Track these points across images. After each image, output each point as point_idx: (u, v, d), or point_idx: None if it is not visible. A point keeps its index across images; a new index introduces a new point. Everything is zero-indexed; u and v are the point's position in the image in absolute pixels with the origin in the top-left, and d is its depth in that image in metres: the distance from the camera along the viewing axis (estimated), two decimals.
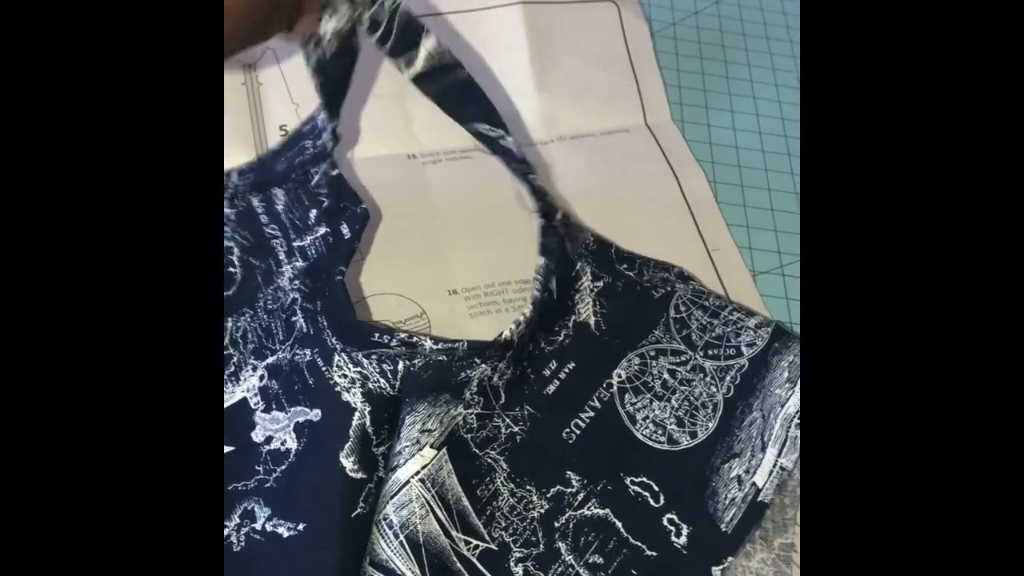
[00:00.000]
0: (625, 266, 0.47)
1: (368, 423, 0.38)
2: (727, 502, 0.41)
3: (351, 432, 0.38)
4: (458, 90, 0.44)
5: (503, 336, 0.40)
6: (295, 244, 0.42)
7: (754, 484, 0.41)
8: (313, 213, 0.43)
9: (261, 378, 0.40)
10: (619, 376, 0.44)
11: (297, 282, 0.41)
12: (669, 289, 0.46)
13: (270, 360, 0.40)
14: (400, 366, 0.39)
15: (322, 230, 0.43)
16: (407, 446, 0.38)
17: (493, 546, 0.38)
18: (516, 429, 0.41)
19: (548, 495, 0.40)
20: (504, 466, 0.40)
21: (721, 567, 0.39)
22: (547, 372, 0.43)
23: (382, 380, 0.39)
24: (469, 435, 0.40)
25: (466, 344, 0.39)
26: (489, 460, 0.40)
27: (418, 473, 0.37)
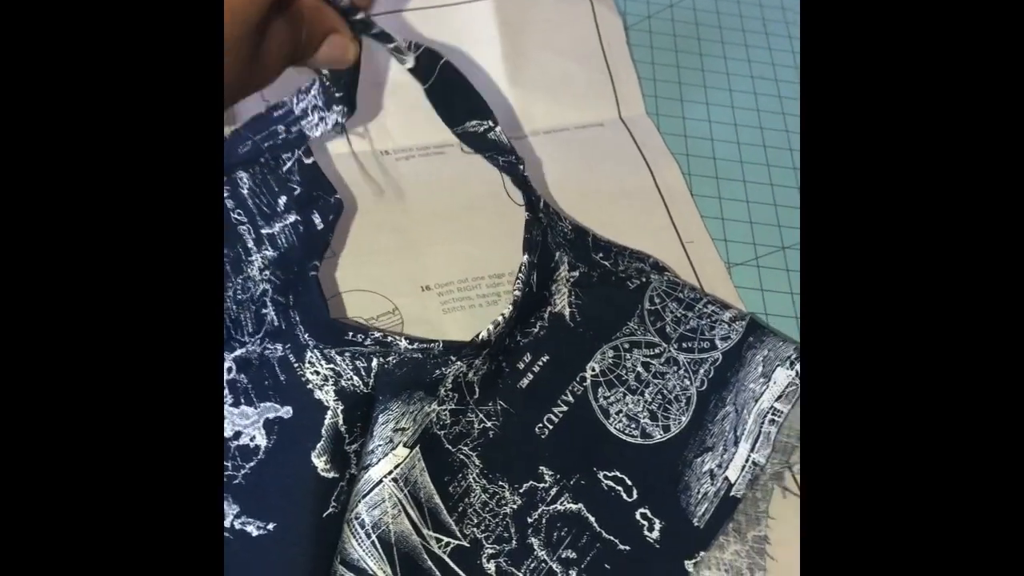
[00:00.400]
0: (601, 255, 0.47)
1: (341, 421, 0.38)
2: (699, 497, 0.40)
3: (323, 431, 0.38)
4: (443, 84, 0.41)
5: (480, 336, 0.40)
6: (263, 231, 0.42)
7: (726, 479, 0.41)
8: (282, 200, 0.42)
9: (229, 371, 0.39)
10: (593, 369, 0.43)
11: (267, 272, 0.41)
12: (644, 280, 0.46)
13: (239, 352, 0.40)
14: (374, 363, 0.39)
15: (292, 218, 0.42)
16: (380, 445, 0.38)
17: (465, 543, 0.38)
18: (489, 424, 0.41)
19: (521, 490, 0.40)
20: (477, 462, 0.40)
21: (694, 561, 0.39)
22: (521, 365, 0.43)
23: (355, 378, 0.39)
24: (442, 432, 0.40)
25: (442, 344, 0.39)
26: (462, 456, 0.40)
27: (391, 473, 0.37)
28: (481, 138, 0.42)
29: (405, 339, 0.39)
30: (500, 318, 0.40)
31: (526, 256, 0.42)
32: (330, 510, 0.37)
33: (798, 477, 0.43)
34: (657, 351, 0.44)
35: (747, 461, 0.41)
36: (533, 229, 0.42)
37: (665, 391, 0.43)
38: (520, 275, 0.41)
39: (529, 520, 0.39)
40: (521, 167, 0.43)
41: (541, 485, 0.40)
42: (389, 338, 0.39)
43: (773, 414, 0.42)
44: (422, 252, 0.47)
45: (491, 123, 0.42)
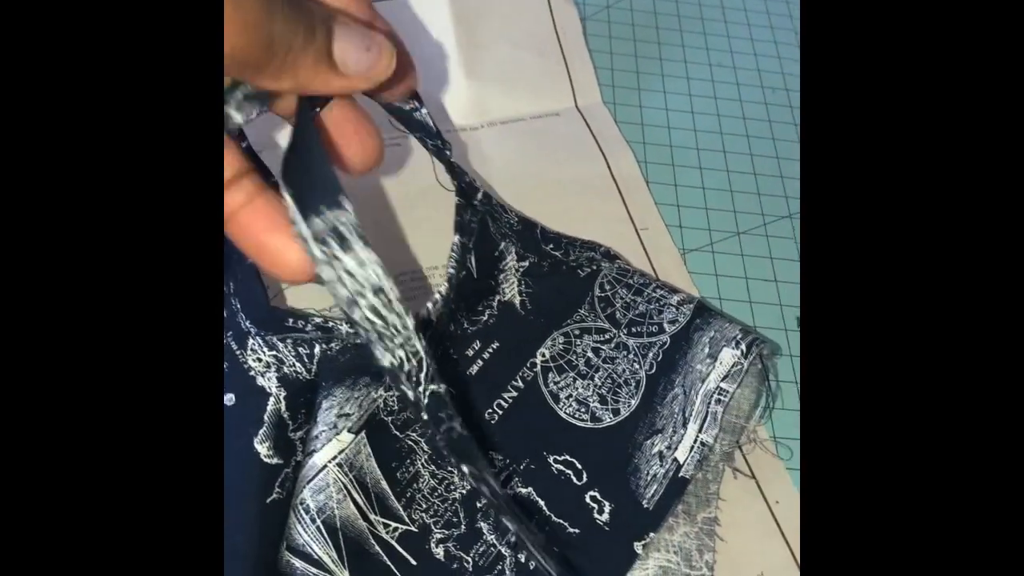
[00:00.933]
0: (551, 246, 0.47)
1: (283, 408, 0.38)
2: (649, 478, 0.41)
3: (266, 417, 0.38)
4: None
5: (420, 315, 0.40)
6: None
7: (675, 460, 0.41)
8: None
9: None
10: (543, 355, 0.44)
11: None
12: (595, 268, 0.47)
13: None
14: (316, 350, 0.39)
15: None
16: (324, 431, 0.38)
17: (413, 528, 0.38)
18: None
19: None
20: (425, 448, 0.40)
21: (643, 543, 0.39)
22: (470, 352, 0.43)
23: (298, 364, 0.39)
24: (389, 417, 0.40)
25: None
26: (410, 442, 0.40)
27: (335, 458, 0.37)
28: (408, 116, 0.42)
29: (346, 324, 0.39)
30: (438, 296, 0.40)
31: (457, 236, 0.42)
32: (274, 496, 0.37)
33: (748, 458, 0.43)
34: (607, 337, 0.44)
35: (695, 442, 0.41)
36: (464, 213, 0.43)
37: (615, 375, 0.43)
38: (452, 255, 0.41)
39: (478, 505, 0.39)
40: (448, 152, 0.43)
41: (491, 470, 0.40)
42: (330, 323, 0.39)
43: (719, 394, 0.42)
44: (375, 243, 0.47)
45: (416, 103, 0.41)
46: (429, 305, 0.40)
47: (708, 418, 0.42)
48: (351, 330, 0.39)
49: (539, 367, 0.43)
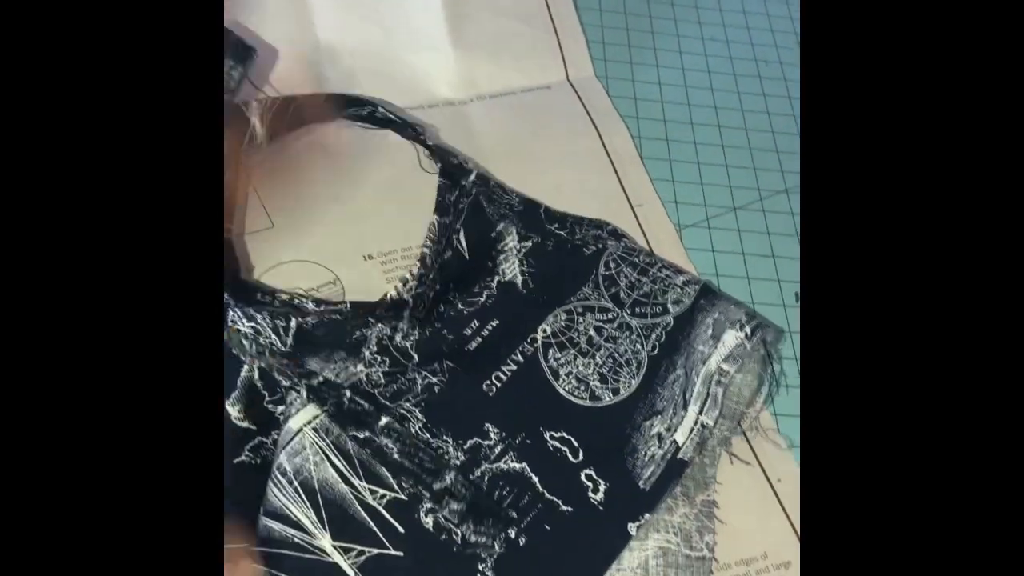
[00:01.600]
0: (556, 225, 0.46)
1: (256, 376, 0.38)
2: (646, 459, 0.40)
3: (239, 383, 0.38)
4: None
5: (388, 296, 0.40)
6: None
7: (674, 442, 0.40)
8: None
9: None
10: (544, 331, 0.43)
11: None
12: (600, 246, 0.46)
13: None
14: (293, 323, 0.39)
15: None
16: (297, 398, 0.37)
17: (403, 496, 0.37)
18: (434, 380, 0.40)
19: (465, 447, 0.39)
20: (420, 416, 0.39)
21: (637, 524, 0.38)
22: (468, 332, 0.42)
23: (274, 336, 0.38)
24: (376, 390, 0.39)
25: (349, 305, 0.40)
26: (402, 411, 0.39)
27: (310, 422, 0.37)
28: (371, 119, 0.42)
29: (312, 302, 0.39)
30: (408, 276, 0.40)
31: (436, 217, 0.42)
32: (243, 458, 0.37)
33: (752, 443, 0.42)
34: (610, 316, 0.44)
35: (695, 423, 0.41)
36: (448, 193, 0.42)
37: (616, 355, 0.42)
38: (429, 234, 0.41)
39: (471, 477, 0.38)
40: (423, 137, 0.42)
41: (486, 442, 0.39)
42: (296, 300, 0.39)
43: (720, 375, 0.41)
44: (365, 221, 0.46)
45: (372, 106, 0.41)
46: (399, 284, 0.40)
47: (708, 400, 0.41)
48: (318, 307, 0.38)
49: (540, 342, 0.42)
